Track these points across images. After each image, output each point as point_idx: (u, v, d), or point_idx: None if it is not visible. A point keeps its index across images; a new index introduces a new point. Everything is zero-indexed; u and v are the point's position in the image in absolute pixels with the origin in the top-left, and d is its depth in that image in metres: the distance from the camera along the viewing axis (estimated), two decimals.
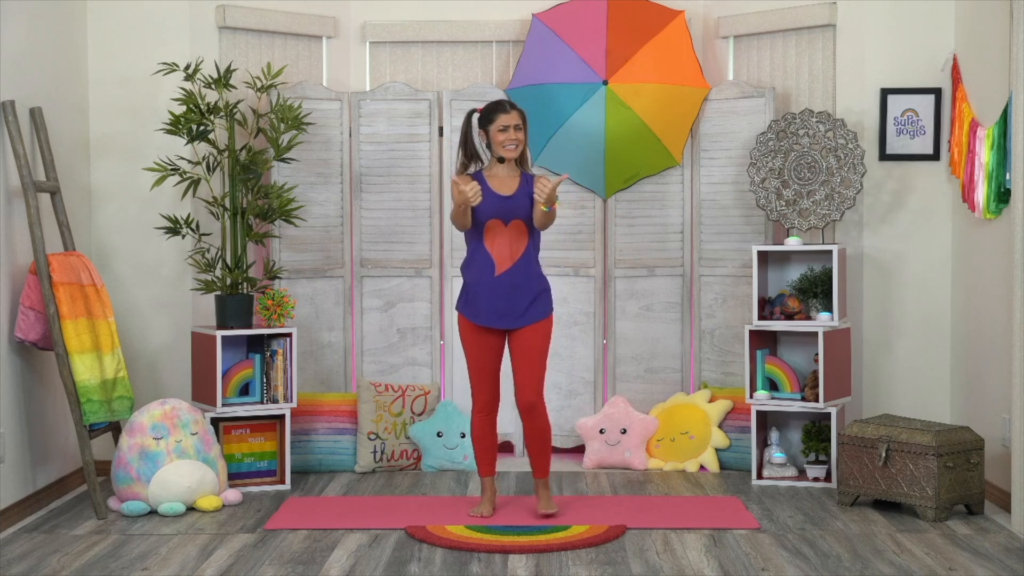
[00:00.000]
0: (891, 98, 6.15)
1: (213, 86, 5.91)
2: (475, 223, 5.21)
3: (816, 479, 5.88)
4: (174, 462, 5.40)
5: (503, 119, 5.18)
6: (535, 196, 5.11)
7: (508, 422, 6.52)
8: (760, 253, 6.00)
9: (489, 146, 5.24)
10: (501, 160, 5.22)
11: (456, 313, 5.35)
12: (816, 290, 5.96)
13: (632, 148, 6.41)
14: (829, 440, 5.86)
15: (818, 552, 4.72)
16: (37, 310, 5.36)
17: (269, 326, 5.94)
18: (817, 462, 5.91)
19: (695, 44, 6.54)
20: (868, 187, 6.18)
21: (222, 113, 5.89)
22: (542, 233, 5.39)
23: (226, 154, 5.93)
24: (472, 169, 5.30)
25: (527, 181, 5.23)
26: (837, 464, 5.66)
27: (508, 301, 5.18)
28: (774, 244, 6.22)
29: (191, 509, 5.43)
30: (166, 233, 5.92)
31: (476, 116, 5.27)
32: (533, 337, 5.22)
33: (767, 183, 6.09)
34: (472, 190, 5.04)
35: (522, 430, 6.48)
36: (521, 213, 5.19)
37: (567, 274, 6.55)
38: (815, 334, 5.95)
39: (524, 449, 6.54)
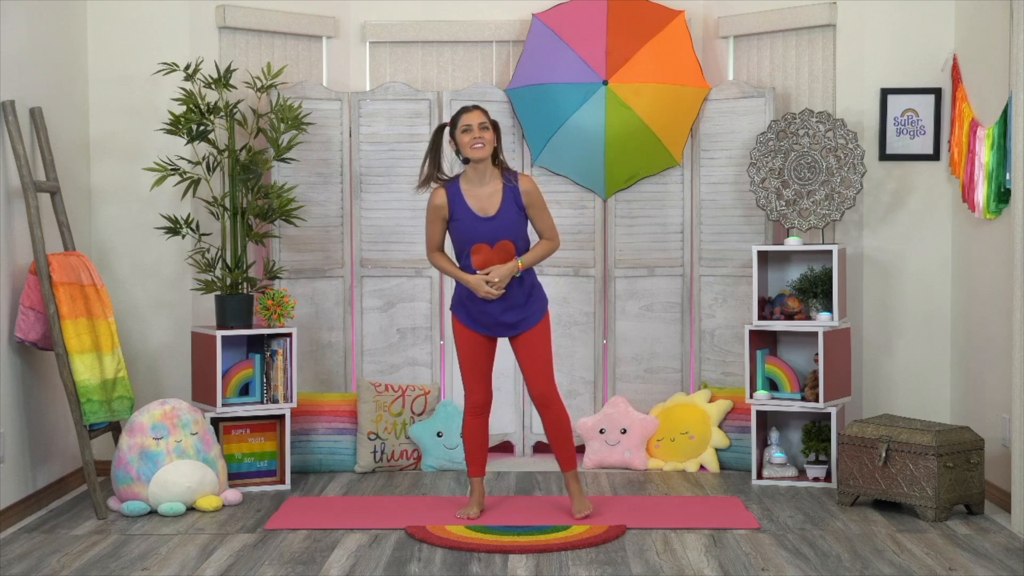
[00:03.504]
0: (891, 98, 6.15)
1: (213, 86, 5.91)
2: (459, 243, 5.17)
3: (816, 479, 5.88)
4: (174, 462, 5.40)
5: (464, 119, 5.12)
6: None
7: (508, 422, 6.52)
8: (760, 253, 6.00)
9: (459, 154, 5.17)
10: (466, 161, 5.15)
11: (451, 314, 5.33)
12: (816, 290, 5.96)
13: (632, 148, 6.41)
14: (829, 440, 5.86)
15: (818, 552, 4.72)
16: (37, 310, 5.36)
17: (269, 326, 5.94)
18: (817, 462, 5.91)
19: (695, 44, 6.54)
20: (868, 187, 6.18)
21: (222, 113, 5.89)
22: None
23: (226, 154, 5.93)
24: (443, 180, 5.21)
25: (511, 192, 5.13)
26: (837, 464, 5.66)
27: (501, 314, 5.16)
28: (774, 244, 6.22)
29: (191, 509, 5.43)
30: (166, 233, 5.92)
31: (447, 130, 5.21)
32: (532, 339, 5.20)
33: (767, 183, 6.09)
34: (490, 292, 5.08)
35: (528, 428, 6.54)
36: (506, 232, 5.12)
37: (567, 274, 6.55)
38: (815, 334, 5.95)
39: (526, 449, 6.57)
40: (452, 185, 5.19)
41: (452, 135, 5.18)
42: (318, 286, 6.48)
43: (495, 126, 5.19)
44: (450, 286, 6.53)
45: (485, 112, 5.16)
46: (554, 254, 5.49)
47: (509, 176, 5.18)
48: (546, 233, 5.22)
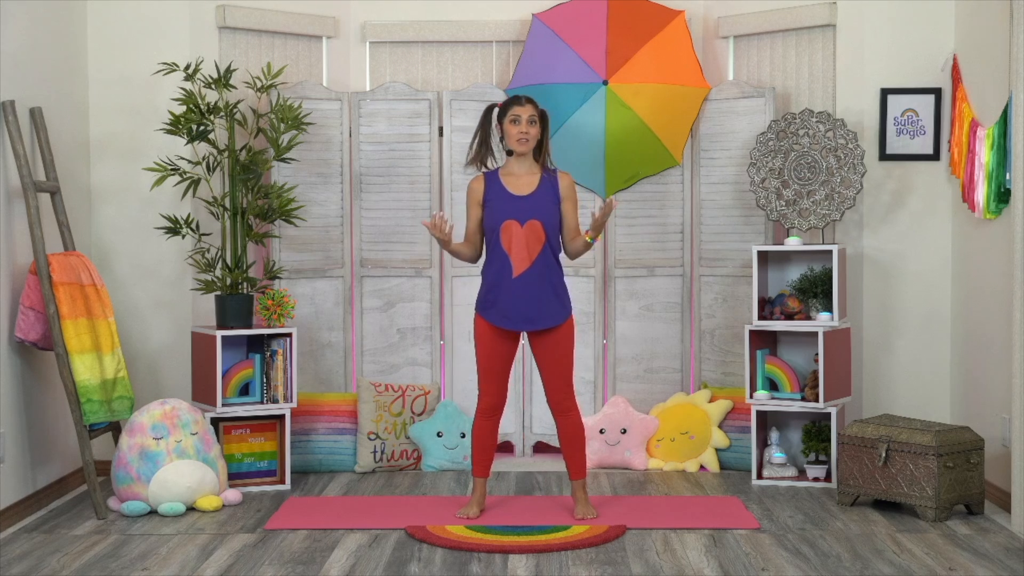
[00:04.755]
0: (891, 98, 6.15)
1: (213, 86, 5.91)
2: (490, 224, 5.19)
3: (816, 479, 5.88)
4: (174, 462, 5.40)
5: (515, 111, 5.17)
6: (588, 228, 5.11)
7: (508, 422, 6.52)
8: (760, 253, 6.00)
9: (503, 140, 5.24)
10: (510, 153, 5.22)
11: (474, 313, 5.30)
12: (816, 290, 5.96)
13: (632, 148, 6.41)
14: (829, 440, 5.86)
15: (818, 552, 4.72)
16: (37, 310, 5.36)
17: (269, 326, 5.94)
18: (817, 462, 5.91)
19: (695, 44, 6.54)
20: (868, 187, 6.18)
21: (222, 113, 5.89)
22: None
23: (226, 154, 5.93)
24: (489, 165, 5.28)
25: (548, 180, 5.20)
26: (837, 464, 5.66)
27: (527, 304, 5.16)
28: (774, 244, 6.22)
29: (191, 509, 5.43)
30: (166, 233, 5.92)
31: (496, 111, 5.26)
32: (556, 340, 5.20)
33: (767, 183, 6.09)
34: (438, 219, 5.02)
35: (527, 428, 6.55)
36: (537, 213, 5.15)
37: (567, 274, 6.51)
38: (815, 334, 5.95)
39: (526, 449, 6.57)
40: (492, 172, 5.27)
41: (500, 120, 5.22)
42: (318, 286, 6.48)
43: (543, 117, 5.23)
44: (450, 285, 6.54)
45: (535, 105, 5.21)
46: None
47: (548, 172, 5.25)
48: (574, 233, 5.26)
